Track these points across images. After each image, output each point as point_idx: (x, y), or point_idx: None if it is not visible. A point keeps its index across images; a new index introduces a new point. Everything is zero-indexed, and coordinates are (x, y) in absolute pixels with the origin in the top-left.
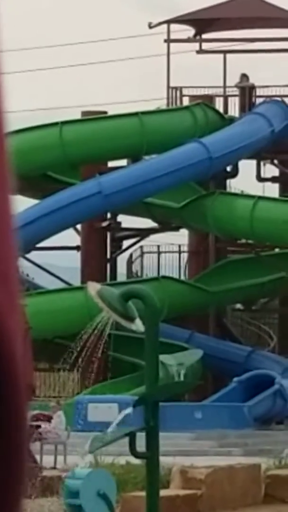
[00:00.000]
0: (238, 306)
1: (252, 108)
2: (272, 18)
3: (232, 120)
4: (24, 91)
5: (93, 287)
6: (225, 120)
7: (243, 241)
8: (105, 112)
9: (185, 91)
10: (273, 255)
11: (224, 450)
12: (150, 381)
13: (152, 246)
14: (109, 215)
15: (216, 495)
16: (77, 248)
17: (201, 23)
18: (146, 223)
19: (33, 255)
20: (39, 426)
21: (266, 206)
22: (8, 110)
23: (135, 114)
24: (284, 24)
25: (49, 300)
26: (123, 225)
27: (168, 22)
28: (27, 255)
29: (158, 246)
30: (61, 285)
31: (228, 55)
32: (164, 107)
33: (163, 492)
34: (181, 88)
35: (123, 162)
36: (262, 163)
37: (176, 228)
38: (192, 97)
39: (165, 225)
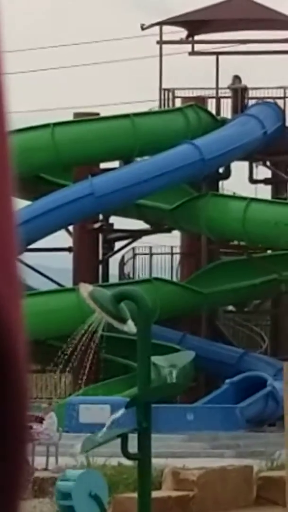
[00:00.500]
0: (230, 307)
1: (244, 109)
2: (264, 19)
3: (224, 121)
4: (17, 93)
5: (85, 289)
6: (217, 122)
7: (236, 242)
8: (97, 114)
9: (177, 93)
10: (265, 257)
11: (216, 452)
12: (142, 382)
13: (144, 247)
14: (101, 217)
15: (208, 496)
16: (69, 249)
17: (193, 24)
18: (138, 224)
19: (25, 256)
20: (31, 427)
21: (259, 208)
22: (10, 110)
23: (127, 115)
24: (277, 25)
25: (41, 301)
26: (115, 226)
27: (161, 23)
28: (19, 256)
29: (150, 248)
30: (53, 286)
31: (221, 57)
32: (156, 108)
33: (155, 494)
34: (173, 89)
35: (115, 163)
36: (254, 165)
37: (168, 230)
38: (185, 99)
39: (157, 227)
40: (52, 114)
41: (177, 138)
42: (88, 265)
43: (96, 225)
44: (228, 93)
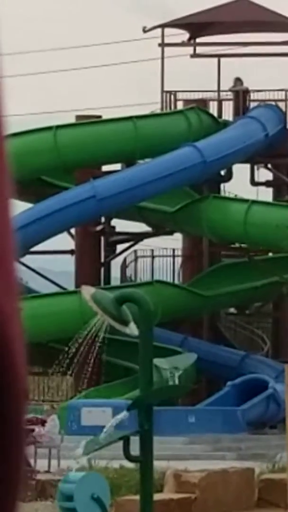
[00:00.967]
0: (232, 310)
1: (246, 112)
2: (266, 22)
3: (226, 124)
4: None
5: (87, 291)
6: (219, 124)
7: (237, 245)
8: (99, 116)
9: (179, 95)
10: (266, 260)
11: (217, 454)
12: (144, 385)
13: (146, 250)
14: (103, 219)
15: (210, 499)
16: (71, 252)
17: (195, 27)
18: (140, 227)
19: (27, 259)
20: (33, 430)
21: (260, 211)
22: (7, 113)
23: (129, 118)
24: (279, 28)
25: (43, 304)
26: (117, 229)
27: (162, 26)
28: (21, 259)
29: (152, 250)
30: (55, 289)
31: (222, 59)
32: (158, 111)
33: (156, 496)
34: (175, 92)
35: (117, 166)
36: (256, 167)
37: (170, 232)
38: (186, 101)
39: (159, 229)
40: (54, 117)
41: (179, 141)
42: (90, 267)
43: (98, 228)
44: (230, 95)
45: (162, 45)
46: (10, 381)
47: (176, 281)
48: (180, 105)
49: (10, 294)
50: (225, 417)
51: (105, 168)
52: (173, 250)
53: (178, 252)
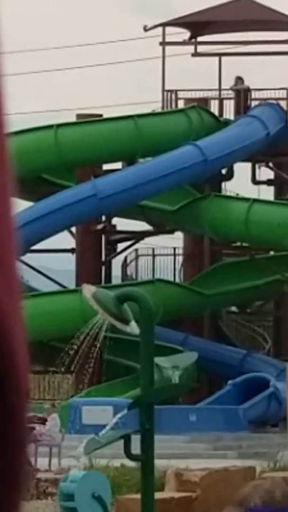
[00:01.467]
0: (233, 309)
1: (247, 111)
2: (267, 20)
3: (227, 123)
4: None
5: (88, 290)
6: (220, 123)
7: (238, 244)
8: (100, 115)
9: (180, 94)
10: (268, 258)
11: (219, 453)
12: (145, 383)
13: (147, 249)
14: (104, 218)
15: (211, 497)
16: (72, 250)
17: (196, 26)
18: (141, 226)
19: (28, 257)
20: (33, 429)
21: (261, 209)
22: (8, 112)
23: (130, 117)
24: (280, 27)
25: (44, 302)
26: (118, 228)
27: (163, 25)
28: (22, 258)
29: (153, 249)
30: (56, 287)
31: (223, 58)
32: (159, 110)
33: (157, 495)
34: (176, 91)
35: (118, 165)
36: (257, 166)
37: (171, 231)
38: (187, 100)
39: (160, 228)
40: (55, 115)
41: (180, 139)
42: (91, 266)
43: (99, 227)
44: (231, 94)
45: (163, 43)
46: (11, 380)
47: (177, 280)
48: (181, 104)
49: (11, 293)
50: (226, 416)
51: (106, 166)
52: (174, 248)
53: (179, 251)
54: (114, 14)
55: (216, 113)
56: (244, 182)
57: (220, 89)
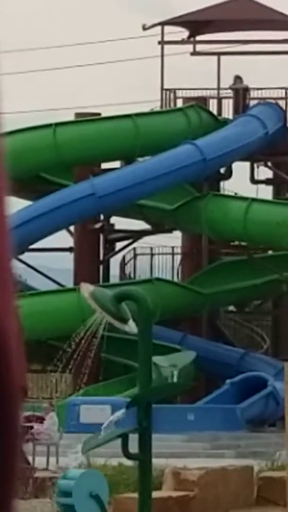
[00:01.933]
0: (231, 308)
1: (246, 110)
2: (266, 20)
3: (226, 122)
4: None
5: (86, 289)
6: (219, 122)
7: (237, 243)
8: (99, 114)
9: (179, 93)
10: (266, 257)
11: (216, 452)
12: (143, 382)
13: (145, 248)
14: (102, 217)
15: (209, 497)
16: (70, 249)
17: (195, 25)
18: (139, 225)
19: (26, 256)
20: (31, 427)
21: (260, 208)
22: (3, 111)
23: (129, 116)
24: (279, 26)
25: (42, 301)
26: (116, 227)
27: (162, 24)
28: (20, 257)
29: (151, 248)
30: (54, 286)
31: (222, 57)
32: (158, 109)
33: (155, 494)
34: (175, 90)
35: (116, 163)
36: (255, 165)
37: (169, 230)
38: (186, 99)
39: (158, 227)
40: (53, 114)
41: (179, 139)
42: (89, 265)
43: (97, 226)
44: (230, 93)
45: (162, 42)
46: (6, 379)
47: (175, 279)
48: (179, 103)
49: (6, 292)
50: (224, 415)
51: (104, 165)
52: (173, 248)
53: (178, 250)
54: (113, 13)
55: (215, 112)
56: (243, 181)
57: (218, 88)
